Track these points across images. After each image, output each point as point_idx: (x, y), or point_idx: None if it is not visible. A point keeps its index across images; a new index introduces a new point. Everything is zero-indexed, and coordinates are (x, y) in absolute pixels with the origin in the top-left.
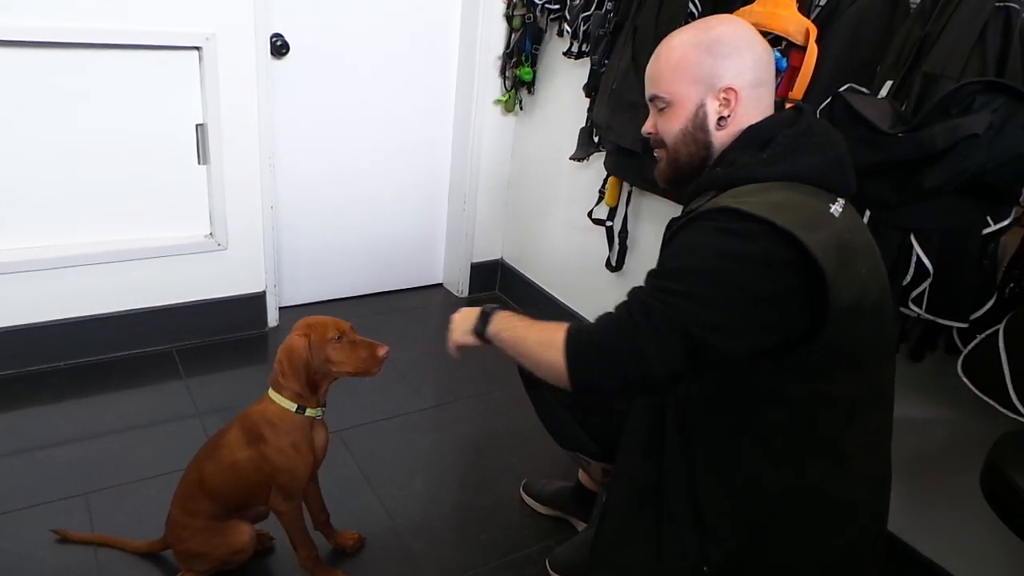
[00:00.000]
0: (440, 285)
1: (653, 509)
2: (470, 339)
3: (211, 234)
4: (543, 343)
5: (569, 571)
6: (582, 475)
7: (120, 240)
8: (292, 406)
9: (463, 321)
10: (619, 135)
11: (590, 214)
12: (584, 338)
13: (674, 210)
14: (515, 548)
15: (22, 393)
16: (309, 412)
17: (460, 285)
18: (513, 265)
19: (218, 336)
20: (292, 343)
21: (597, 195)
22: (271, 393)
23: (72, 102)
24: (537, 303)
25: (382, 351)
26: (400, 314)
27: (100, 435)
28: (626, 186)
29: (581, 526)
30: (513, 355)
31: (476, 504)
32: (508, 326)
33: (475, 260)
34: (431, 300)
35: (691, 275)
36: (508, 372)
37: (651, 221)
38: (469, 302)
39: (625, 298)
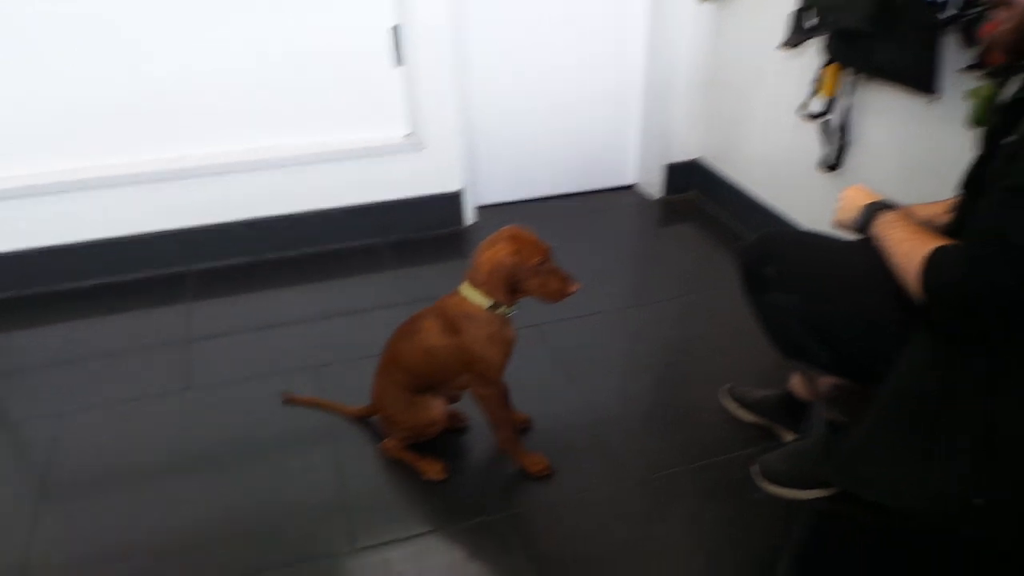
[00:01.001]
0: (633, 186)
1: (928, 425)
2: (850, 228)
3: (410, 135)
4: (908, 255)
5: (780, 479)
6: (795, 384)
7: (327, 142)
8: (486, 303)
9: (850, 207)
10: (844, 12)
11: (802, 108)
12: (940, 259)
13: (911, 103)
14: (715, 451)
15: (258, 279)
16: (502, 310)
17: (654, 186)
18: (712, 165)
19: (420, 232)
20: (500, 259)
21: (811, 86)
22: (466, 289)
23: (273, 7)
24: (738, 205)
25: (573, 288)
26: (593, 214)
27: (325, 317)
28: (848, 74)
29: (787, 436)
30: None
31: (674, 405)
32: (886, 233)
33: (671, 160)
34: (624, 201)
35: None
36: (708, 278)
37: (880, 114)
38: (663, 204)
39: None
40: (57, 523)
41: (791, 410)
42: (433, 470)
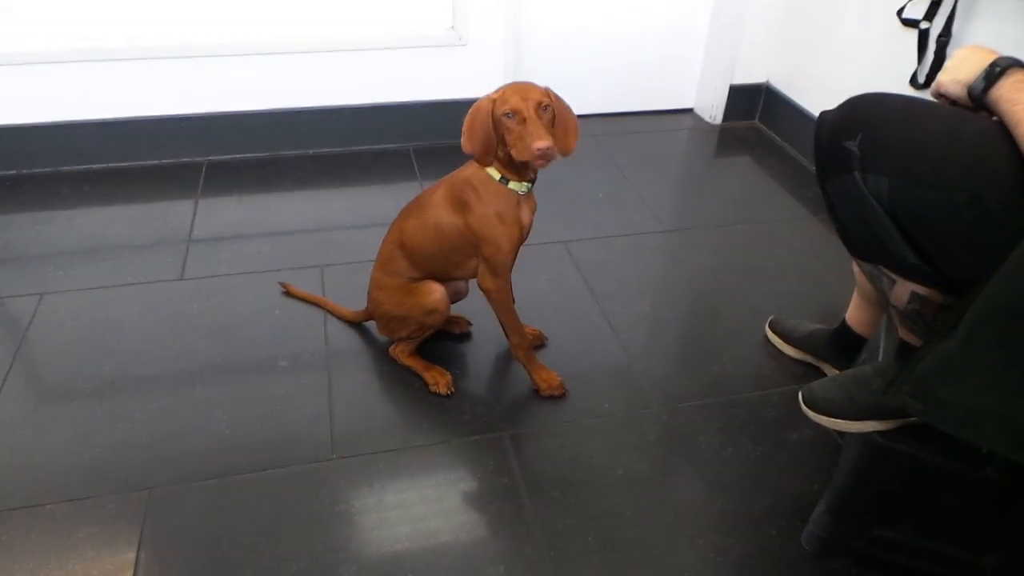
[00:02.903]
0: (691, 111)
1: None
2: (960, 92)
3: (453, 27)
4: None
5: (828, 408)
6: (852, 316)
7: (359, 27)
8: (496, 175)
9: (964, 66)
10: None
11: (900, 12)
12: None
13: None
14: (747, 387)
15: (273, 175)
16: (512, 185)
17: (714, 111)
18: (781, 90)
19: (453, 139)
20: (477, 104)
21: None
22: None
23: None
24: (805, 136)
25: (539, 143)
26: (644, 135)
27: (338, 220)
28: None
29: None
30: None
31: (709, 335)
32: (1012, 96)
33: (735, 82)
34: (679, 125)
35: None
36: (760, 208)
37: (992, 20)
38: (721, 131)
39: None
40: (17, 404)
41: (845, 347)
42: (442, 383)
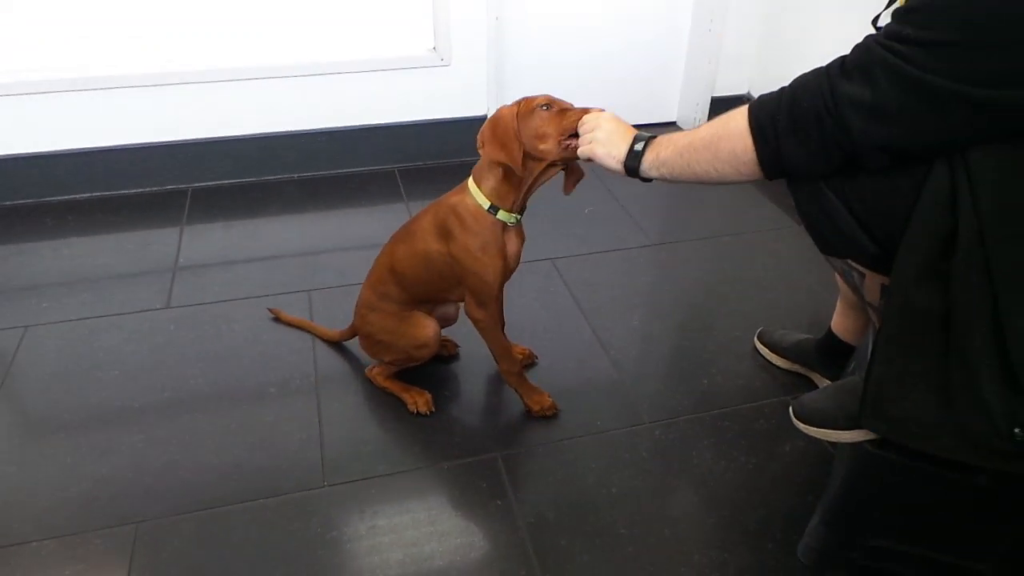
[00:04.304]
0: (674, 123)
1: (937, 349)
2: (617, 167)
3: (435, 48)
4: (722, 135)
5: (817, 419)
6: (836, 323)
7: (342, 49)
8: (486, 203)
9: (610, 142)
10: None
11: (875, 21)
12: (769, 107)
13: None
14: (738, 399)
15: (258, 200)
16: (501, 215)
17: (697, 122)
18: None
19: (439, 159)
20: (499, 111)
21: None
22: (470, 184)
23: None
24: None
25: (590, 110)
26: None
27: (325, 244)
28: None
29: (825, 384)
30: (688, 175)
31: (699, 348)
32: (672, 143)
33: (717, 94)
34: None
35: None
36: (745, 219)
37: None
38: None
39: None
40: (1, 439)
41: (832, 355)
42: (420, 402)
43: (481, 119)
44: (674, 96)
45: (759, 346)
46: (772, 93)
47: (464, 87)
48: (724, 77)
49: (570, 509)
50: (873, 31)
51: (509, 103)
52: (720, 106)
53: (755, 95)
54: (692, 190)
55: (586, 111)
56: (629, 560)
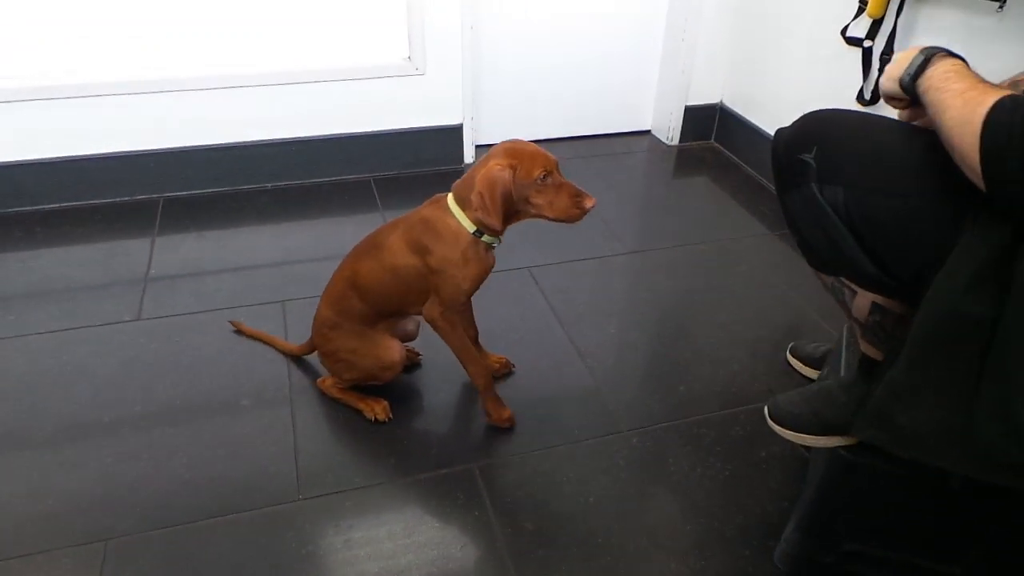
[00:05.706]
0: (648, 132)
1: (973, 361)
2: (894, 87)
3: (410, 57)
4: (962, 120)
5: (793, 423)
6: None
7: (316, 58)
8: (471, 228)
9: (898, 62)
10: None
11: (844, 31)
12: (1008, 106)
13: (972, 18)
14: (718, 405)
15: (232, 210)
16: (486, 239)
17: (671, 131)
18: (735, 109)
19: (414, 169)
20: (495, 174)
21: (856, 6)
22: (452, 205)
23: None
24: (761, 154)
25: (589, 203)
26: (603, 159)
27: (299, 254)
28: None
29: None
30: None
31: (675, 355)
32: (939, 84)
33: (690, 103)
34: (637, 147)
35: None
36: (721, 228)
37: (932, 38)
38: (678, 151)
39: None
40: None
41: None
42: (378, 409)
43: (456, 128)
44: (648, 105)
45: (792, 361)
46: (1004, 119)
47: (439, 96)
48: (697, 86)
49: (548, 519)
50: (843, 41)
51: (500, 160)
52: (694, 115)
53: (728, 104)
54: (673, 201)
55: (582, 194)
56: (607, 569)
